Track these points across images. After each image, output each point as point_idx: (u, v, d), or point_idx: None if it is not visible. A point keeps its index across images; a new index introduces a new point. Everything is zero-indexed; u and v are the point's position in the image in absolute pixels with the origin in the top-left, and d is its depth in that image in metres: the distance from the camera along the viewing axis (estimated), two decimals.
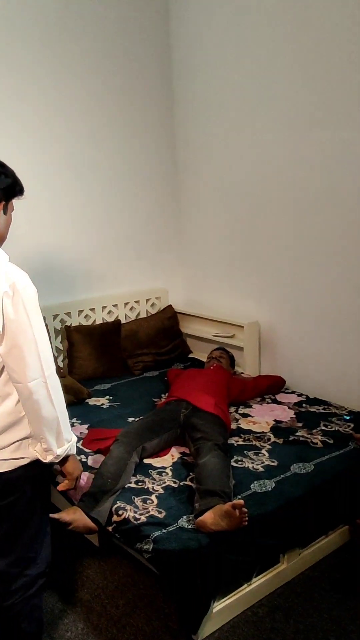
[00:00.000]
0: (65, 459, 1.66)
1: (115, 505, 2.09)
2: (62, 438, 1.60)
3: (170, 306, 3.93)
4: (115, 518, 2.05)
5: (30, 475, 1.61)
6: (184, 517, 2.02)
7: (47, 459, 1.60)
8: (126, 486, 2.20)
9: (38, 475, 1.64)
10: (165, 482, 2.24)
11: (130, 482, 2.23)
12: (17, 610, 1.67)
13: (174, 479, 2.26)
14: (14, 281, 1.49)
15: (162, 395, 3.16)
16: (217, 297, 3.82)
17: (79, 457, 2.18)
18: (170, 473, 2.32)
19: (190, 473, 2.29)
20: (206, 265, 3.87)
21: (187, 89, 3.70)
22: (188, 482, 2.24)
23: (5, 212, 1.62)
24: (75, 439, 1.68)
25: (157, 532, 1.92)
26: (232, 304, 3.68)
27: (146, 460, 2.41)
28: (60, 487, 1.75)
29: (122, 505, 2.08)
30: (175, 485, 2.22)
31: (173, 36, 3.71)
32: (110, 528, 2.06)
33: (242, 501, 1.87)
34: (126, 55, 3.56)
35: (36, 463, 1.61)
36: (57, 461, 1.63)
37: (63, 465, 1.68)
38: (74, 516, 2.00)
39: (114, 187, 3.65)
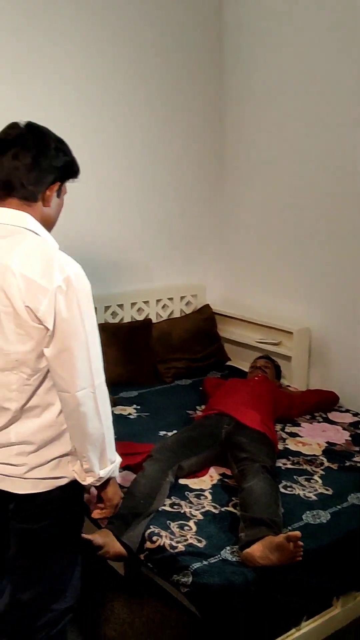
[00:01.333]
0: (106, 482, 1.66)
1: (149, 531, 2.11)
2: (105, 458, 1.60)
3: (207, 306, 3.96)
4: (148, 545, 2.08)
5: (67, 498, 1.61)
6: (227, 547, 2.03)
7: (87, 480, 1.59)
8: (160, 509, 2.23)
9: (75, 498, 1.64)
10: (204, 507, 2.27)
11: (165, 505, 2.26)
12: None
13: (214, 504, 2.29)
14: (69, 274, 1.47)
15: (197, 407, 3.19)
16: (262, 298, 3.83)
17: None
18: (209, 496, 2.35)
19: (233, 498, 2.32)
20: (251, 259, 3.88)
21: (238, 54, 3.72)
22: (230, 508, 2.26)
23: (58, 195, 1.65)
24: (120, 460, 1.67)
25: (197, 564, 1.94)
26: (280, 306, 3.69)
27: (182, 481, 2.44)
28: (95, 515, 1.75)
29: (156, 530, 2.11)
30: (216, 511, 2.24)
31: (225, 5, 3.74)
32: (142, 556, 2.09)
33: (298, 533, 1.89)
34: (174, 25, 3.59)
35: (74, 484, 1.61)
36: (97, 484, 1.63)
37: (103, 490, 1.68)
38: (106, 539, 2.03)
39: (147, 164, 3.66)
